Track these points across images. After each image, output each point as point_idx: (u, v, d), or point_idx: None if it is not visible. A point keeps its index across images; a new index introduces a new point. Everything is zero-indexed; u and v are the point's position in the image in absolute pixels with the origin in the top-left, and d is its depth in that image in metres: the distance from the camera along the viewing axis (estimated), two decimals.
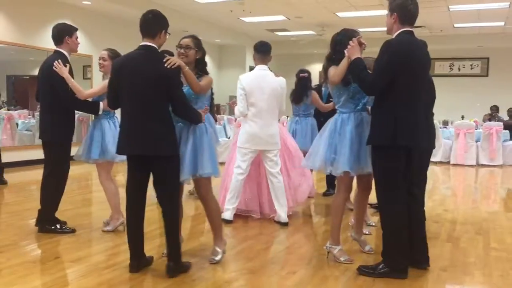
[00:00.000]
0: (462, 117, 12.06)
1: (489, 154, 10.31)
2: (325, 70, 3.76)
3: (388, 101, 3.35)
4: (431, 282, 3.41)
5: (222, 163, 4.89)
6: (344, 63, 3.50)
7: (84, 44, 8.40)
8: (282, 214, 4.82)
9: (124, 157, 4.17)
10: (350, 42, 3.46)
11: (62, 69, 4.13)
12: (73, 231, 4.38)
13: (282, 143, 5.09)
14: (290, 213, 5.06)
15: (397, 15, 3.40)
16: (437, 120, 11.13)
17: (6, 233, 4.39)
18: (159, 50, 3.42)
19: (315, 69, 6.64)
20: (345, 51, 3.49)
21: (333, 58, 3.69)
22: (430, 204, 6.07)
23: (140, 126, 3.27)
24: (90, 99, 4.32)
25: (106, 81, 4.18)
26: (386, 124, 3.32)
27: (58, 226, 4.37)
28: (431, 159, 10.53)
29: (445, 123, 12.06)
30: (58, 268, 3.51)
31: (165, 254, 3.67)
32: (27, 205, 5.48)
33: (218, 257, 3.65)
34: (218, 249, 3.68)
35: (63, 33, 4.30)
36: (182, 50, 3.51)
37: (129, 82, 3.27)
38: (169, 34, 3.43)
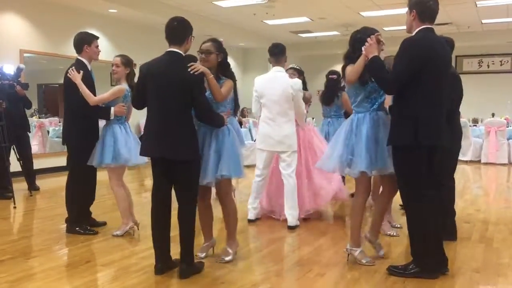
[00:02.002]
0: (493, 115, 11.77)
1: None
2: (343, 68, 3.72)
3: (408, 100, 3.28)
4: (464, 284, 3.33)
5: (249, 166, 4.91)
6: (360, 61, 3.44)
7: (110, 51, 8.57)
8: (289, 217, 4.76)
9: (137, 161, 4.33)
10: (368, 40, 3.40)
11: (75, 76, 4.27)
12: (95, 233, 4.54)
13: (306, 144, 5.12)
14: (307, 216, 5.10)
15: (416, 12, 3.33)
16: (466, 118, 10.91)
17: (39, 238, 4.51)
18: (185, 55, 3.48)
19: (340, 70, 6.59)
20: (363, 48, 3.42)
21: (351, 56, 3.63)
22: (461, 204, 5.94)
23: (163, 129, 3.34)
24: (102, 105, 4.38)
25: (116, 87, 4.38)
26: (407, 124, 3.26)
27: (81, 228, 4.55)
28: (461, 159, 10.40)
29: (475, 121, 11.81)
30: (89, 272, 3.58)
31: (198, 255, 3.78)
32: (58, 210, 5.59)
33: (228, 258, 3.71)
34: (230, 250, 3.75)
35: (82, 42, 4.49)
36: (203, 55, 3.57)
37: (154, 86, 3.37)
38: (193, 37, 3.49)
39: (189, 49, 3.51)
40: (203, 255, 3.83)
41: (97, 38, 4.59)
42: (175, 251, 3.55)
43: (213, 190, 3.82)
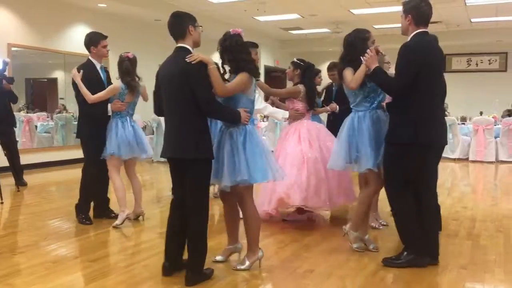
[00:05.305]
0: (481, 113, 11.87)
1: (509, 150, 10.12)
2: (339, 71, 3.85)
3: (407, 100, 3.42)
4: (451, 280, 3.36)
5: None
6: (361, 71, 3.60)
7: None
8: None
9: (124, 156, 4.59)
10: (368, 51, 3.55)
11: (75, 75, 4.54)
12: (90, 223, 4.69)
13: (320, 140, 4.85)
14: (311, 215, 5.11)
15: (411, 17, 3.47)
16: (454, 116, 10.99)
17: (27, 234, 4.47)
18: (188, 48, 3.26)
19: (325, 68, 6.53)
20: (363, 59, 3.56)
21: (347, 59, 3.78)
22: (449, 202, 6.00)
23: (170, 129, 3.24)
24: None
25: (112, 85, 4.64)
26: (406, 123, 3.40)
27: (82, 216, 4.73)
28: (449, 156, 10.49)
29: (463, 119, 11.89)
30: (78, 268, 3.56)
31: (214, 258, 3.63)
32: (46, 206, 5.55)
33: (242, 267, 3.48)
34: (247, 261, 3.50)
35: (89, 44, 4.72)
36: None
37: (163, 85, 3.27)
38: (201, 27, 3.32)
39: (198, 41, 3.29)
40: (221, 258, 3.64)
41: (104, 38, 4.75)
42: None
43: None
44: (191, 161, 3.16)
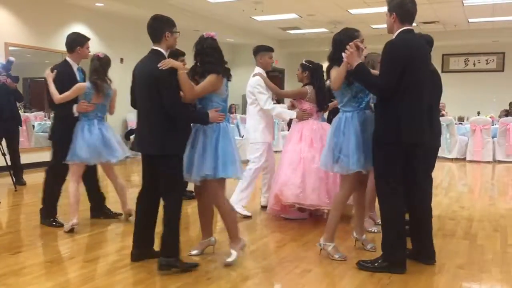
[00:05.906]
0: (478, 113, 11.91)
1: (506, 150, 10.16)
2: (328, 70, 3.79)
3: (390, 99, 3.35)
4: (448, 280, 3.37)
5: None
6: (342, 68, 3.48)
7: (97, 46, 8.48)
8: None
9: (94, 161, 4.51)
10: (348, 47, 3.41)
11: (47, 75, 4.43)
12: (61, 225, 4.55)
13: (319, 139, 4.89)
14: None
15: (396, 15, 3.44)
16: (452, 116, 11.02)
17: (24, 233, 4.47)
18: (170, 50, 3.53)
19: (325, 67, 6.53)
20: (343, 56, 3.45)
21: (334, 58, 3.68)
22: (446, 201, 6.01)
23: (141, 126, 3.49)
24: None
25: (78, 84, 4.48)
26: (390, 122, 3.34)
27: (51, 220, 4.62)
28: (447, 156, 10.50)
29: (461, 119, 11.93)
30: (74, 268, 3.55)
31: (190, 252, 3.78)
32: None
33: (230, 259, 3.58)
34: (232, 251, 3.62)
35: (75, 43, 4.59)
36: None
37: (135, 84, 3.52)
38: (178, 33, 3.49)
39: (172, 45, 3.49)
40: (195, 252, 3.78)
41: (88, 39, 4.70)
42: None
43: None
44: (159, 157, 3.38)
